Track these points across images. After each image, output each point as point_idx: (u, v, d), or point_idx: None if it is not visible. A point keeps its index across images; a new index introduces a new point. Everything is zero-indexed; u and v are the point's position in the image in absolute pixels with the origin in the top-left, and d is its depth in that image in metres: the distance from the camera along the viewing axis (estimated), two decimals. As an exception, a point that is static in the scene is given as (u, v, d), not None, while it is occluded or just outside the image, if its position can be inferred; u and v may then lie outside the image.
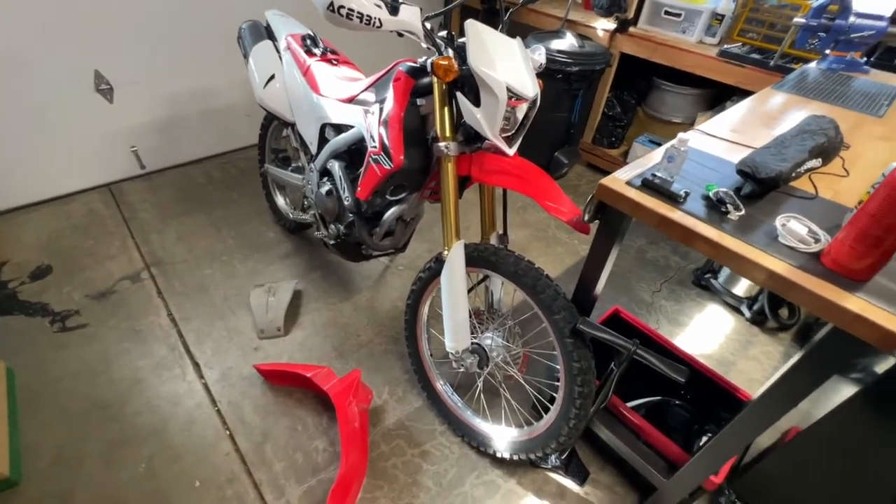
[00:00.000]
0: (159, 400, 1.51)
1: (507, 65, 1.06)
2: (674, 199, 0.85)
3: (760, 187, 0.85)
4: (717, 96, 2.42)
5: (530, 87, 1.08)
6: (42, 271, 1.93)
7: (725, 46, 2.16)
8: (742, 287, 1.97)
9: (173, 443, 1.40)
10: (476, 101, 1.07)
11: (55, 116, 2.15)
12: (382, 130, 1.23)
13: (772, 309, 1.86)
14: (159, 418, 1.46)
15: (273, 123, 2.06)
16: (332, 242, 1.62)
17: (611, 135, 2.72)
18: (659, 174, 0.88)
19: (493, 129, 1.08)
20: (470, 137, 1.21)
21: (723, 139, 1.10)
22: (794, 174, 0.90)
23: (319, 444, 1.43)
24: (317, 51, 1.66)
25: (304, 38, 1.69)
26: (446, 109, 1.14)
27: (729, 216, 0.82)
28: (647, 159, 1.00)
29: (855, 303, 0.67)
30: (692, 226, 0.80)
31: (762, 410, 0.89)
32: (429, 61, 1.11)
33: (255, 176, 2.59)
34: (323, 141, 1.59)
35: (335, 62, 1.66)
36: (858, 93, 1.44)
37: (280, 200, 2.24)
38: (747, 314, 1.93)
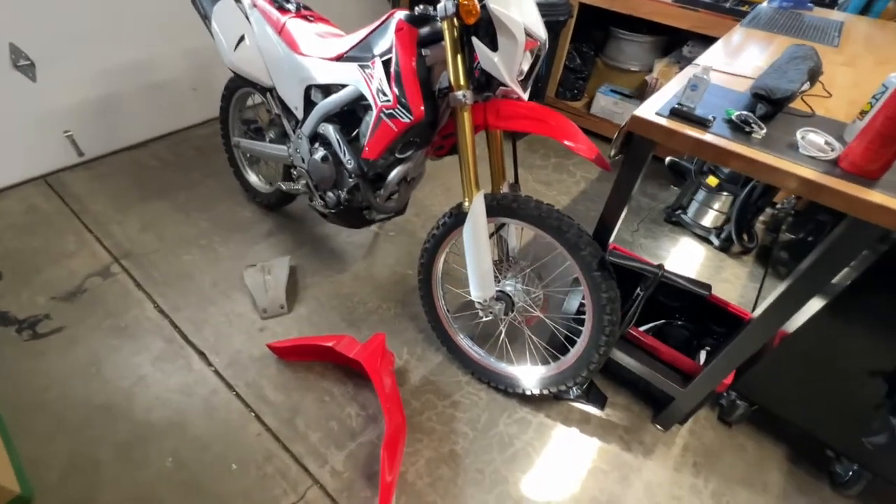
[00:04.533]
0: (169, 393, 1.42)
1: (520, 5, 1.05)
2: (703, 125, 0.91)
3: (774, 108, 0.94)
4: (672, 42, 2.55)
5: (542, 29, 1.09)
6: (-10, 278, 1.71)
7: (678, -8, 2.26)
8: (709, 219, 2.16)
9: (197, 432, 1.34)
10: (492, 46, 1.07)
11: (-31, 100, 1.86)
12: (395, 83, 1.19)
13: (738, 234, 2.06)
14: (174, 411, 1.38)
15: (236, 93, 1.92)
16: (332, 211, 1.57)
17: (573, 87, 2.80)
18: (684, 102, 0.94)
19: (511, 74, 1.08)
20: (480, 86, 1.20)
21: (722, 72, 1.18)
22: (795, 95, 0.99)
23: (351, 410, 1.43)
24: (290, 7, 1.54)
25: (272, -6, 1.56)
26: (459, 56, 1.12)
27: (753, 135, 0.90)
28: (664, 92, 1.05)
29: (876, 196, 0.77)
30: (726, 146, 0.87)
31: (767, 321, 1.02)
32: (445, 4, 1.07)
33: (214, 154, 2.40)
34: (309, 104, 1.50)
35: (311, 19, 1.55)
36: (811, 27, 1.58)
37: (252, 177, 2.11)
38: (716, 242, 2.12)
